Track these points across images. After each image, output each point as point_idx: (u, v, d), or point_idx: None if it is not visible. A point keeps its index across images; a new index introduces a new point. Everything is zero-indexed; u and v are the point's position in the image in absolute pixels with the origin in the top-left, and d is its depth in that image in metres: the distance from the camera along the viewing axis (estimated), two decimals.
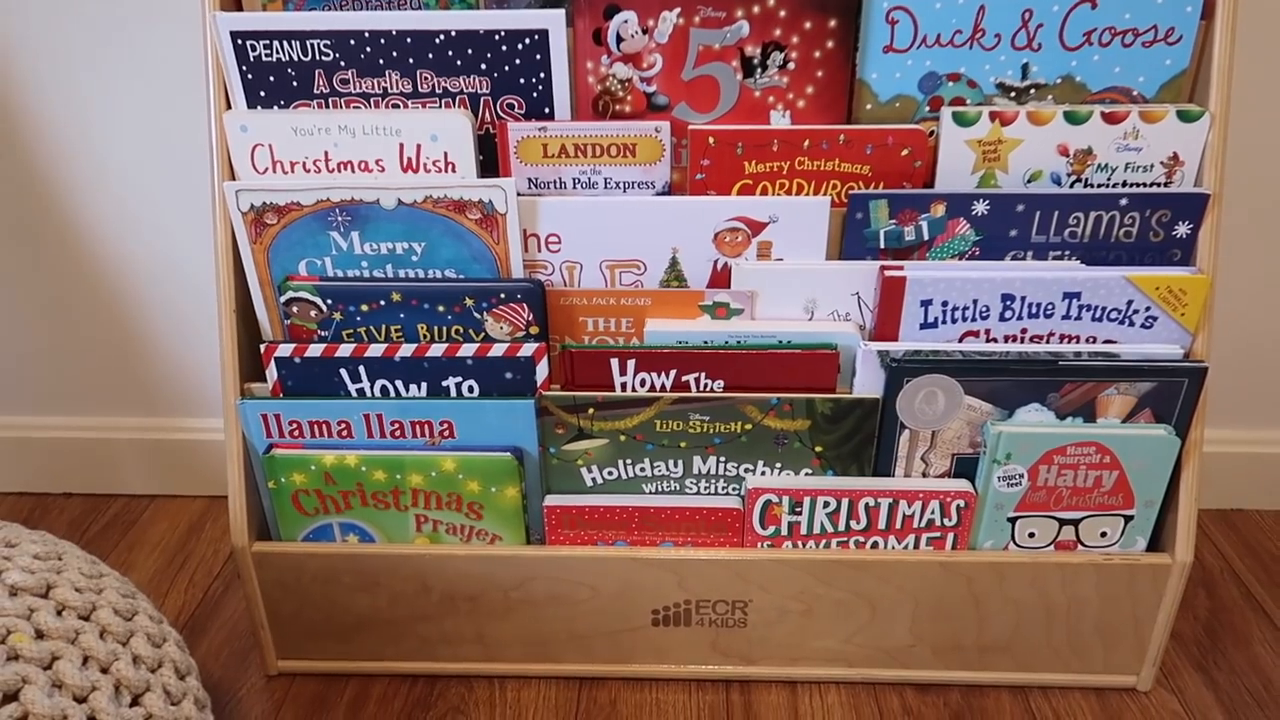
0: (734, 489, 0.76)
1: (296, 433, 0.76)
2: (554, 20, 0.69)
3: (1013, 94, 0.71)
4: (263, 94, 0.73)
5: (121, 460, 1.07)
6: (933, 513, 0.75)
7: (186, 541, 1.01)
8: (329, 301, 0.74)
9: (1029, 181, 0.72)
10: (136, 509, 1.06)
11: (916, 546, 0.76)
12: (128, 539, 1.02)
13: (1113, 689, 0.81)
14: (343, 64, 0.71)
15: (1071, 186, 0.72)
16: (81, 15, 0.87)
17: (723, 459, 0.75)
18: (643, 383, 0.74)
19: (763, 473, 0.75)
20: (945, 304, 0.71)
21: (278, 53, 0.71)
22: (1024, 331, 0.72)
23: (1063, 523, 0.75)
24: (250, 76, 0.72)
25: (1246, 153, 0.86)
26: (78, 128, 0.92)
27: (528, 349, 0.73)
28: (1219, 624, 0.89)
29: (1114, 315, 0.71)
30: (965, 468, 0.75)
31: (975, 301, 0.71)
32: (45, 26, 0.87)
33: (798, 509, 0.75)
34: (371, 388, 0.75)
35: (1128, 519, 0.75)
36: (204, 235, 0.92)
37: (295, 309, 0.74)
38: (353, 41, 0.70)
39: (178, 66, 0.88)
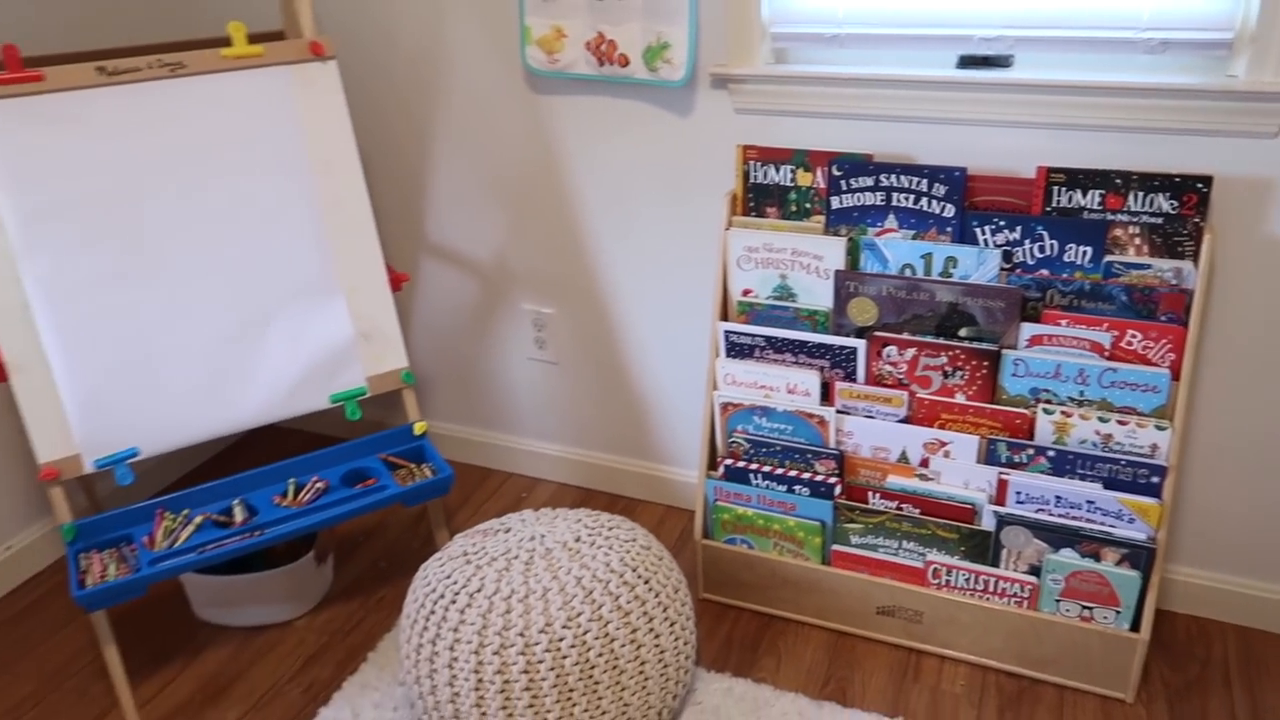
0: (918, 558, 1.62)
1: (727, 497, 1.73)
2: (860, 344, 1.59)
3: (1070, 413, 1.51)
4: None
5: (625, 479, 2.13)
6: (1015, 589, 1.56)
7: (658, 531, 2.05)
8: (747, 446, 1.70)
9: (1081, 444, 1.51)
10: (629, 506, 2.12)
11: (1006, 603, 1.58)
12: (635, 516, 2.08)
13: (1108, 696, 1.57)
14: (770, 352, 1.67)
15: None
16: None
17: (914, 544, 1.62)
18: (882, 504, 1.63)
19: (934, 553, 1.61)
20: (1030, 495, 1.52)
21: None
22: (1069, 515, 1.51)
23: (1083, 605, 1.54)
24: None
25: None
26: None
27: (832, 480, 1.65)
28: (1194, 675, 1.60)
29: (1113, 515, 1.48)
30: (1033, 571, 1.56)
31: (1043, 496, 1.52)
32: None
33: (950, 574, 1.60)
34: (762, 484, 1.70)
35: (1118, 613, 1.52)
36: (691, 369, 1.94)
37: (733, 449, 1.72)
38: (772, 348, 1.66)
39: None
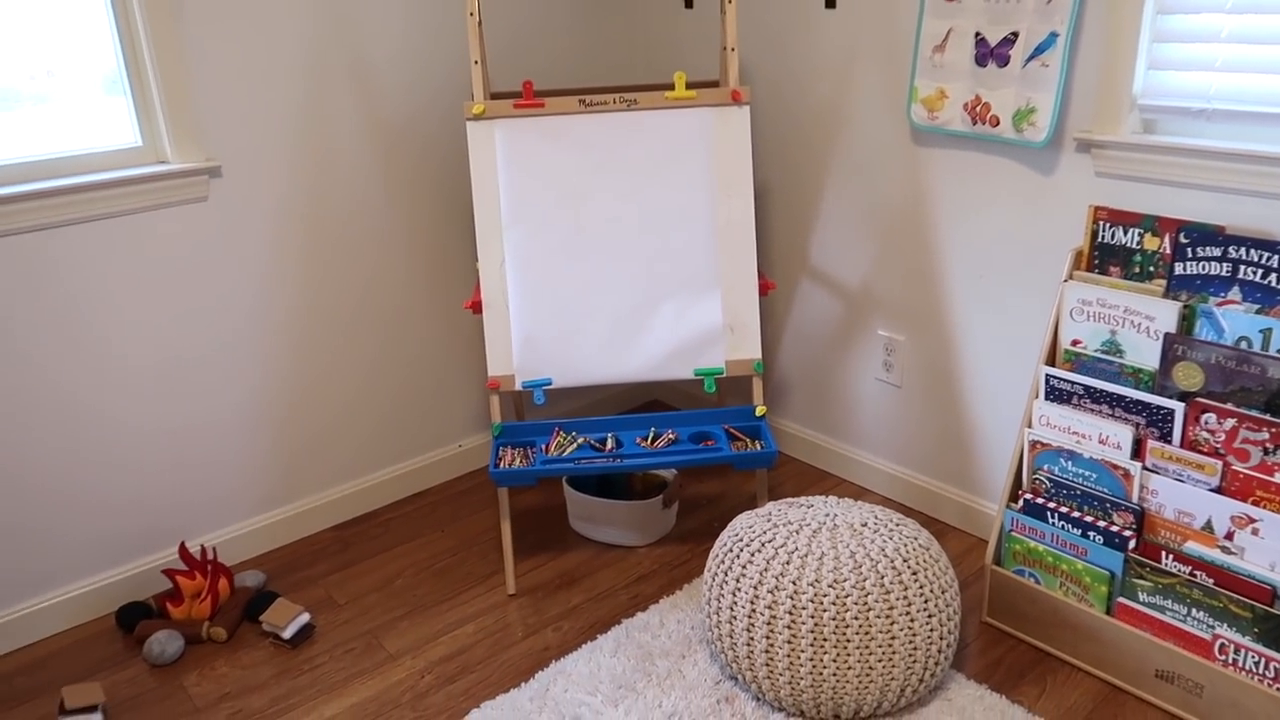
0: (1206, 630, 1.60)
1: (1021, 529, 1.84)
2: (1179, 407, 1.63)
3: None
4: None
5: (943, 504, 2.28)
6: None
7: (963, 558, 2.18)
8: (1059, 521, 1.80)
9: None
10: (941, 530, 2.26)
11: None
12: (944, 540, 2.22)
13: None
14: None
15: None
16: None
17: (1204, 614, 1.61)
18: (1176, 567, 1.64)
19: (1222, 627, 1.58)
20: None
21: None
22: None
23: None
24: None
25: None
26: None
27: (1127, 533, 1.69)
28: None
29: None
30: None
31: None
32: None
33: (1239, 653, 1.57)
34: (1057, 523, 1.79)
35: None
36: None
37: (1035, 485, 1.82)
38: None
39: None
